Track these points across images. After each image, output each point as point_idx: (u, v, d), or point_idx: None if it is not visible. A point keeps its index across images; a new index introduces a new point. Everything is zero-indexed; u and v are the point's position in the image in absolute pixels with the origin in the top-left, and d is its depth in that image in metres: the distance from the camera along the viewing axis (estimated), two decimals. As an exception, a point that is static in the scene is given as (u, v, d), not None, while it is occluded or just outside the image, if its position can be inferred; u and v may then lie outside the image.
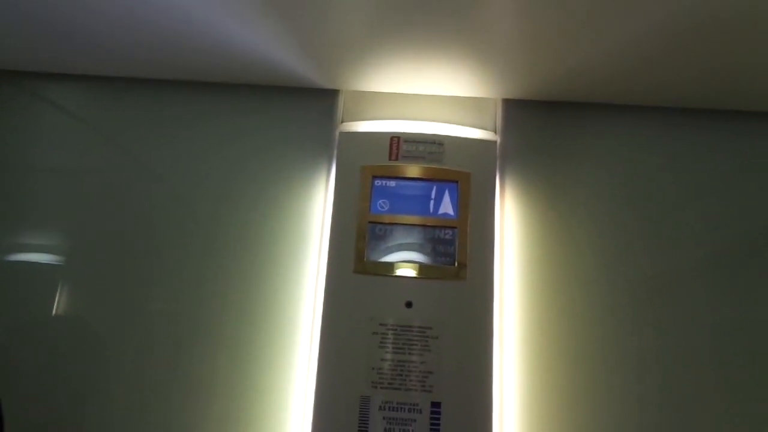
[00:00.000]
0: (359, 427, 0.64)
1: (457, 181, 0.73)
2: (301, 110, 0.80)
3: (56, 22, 0.70)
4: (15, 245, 0.76)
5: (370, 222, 0.71)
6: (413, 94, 0.80)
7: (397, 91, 0.80)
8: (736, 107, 0.78)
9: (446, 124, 0.77)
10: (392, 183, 0.73)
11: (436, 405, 0.65)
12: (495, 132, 0.78)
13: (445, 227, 0.71)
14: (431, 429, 0.64)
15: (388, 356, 0.66)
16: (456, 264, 0.69)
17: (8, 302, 0.74)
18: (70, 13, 0.69)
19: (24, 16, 0.70)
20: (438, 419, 0.64)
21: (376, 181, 0.73)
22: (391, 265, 0.70)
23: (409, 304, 0.68)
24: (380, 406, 0.65)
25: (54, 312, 0.73)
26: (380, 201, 0.72)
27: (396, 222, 0.71)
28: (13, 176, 0.78)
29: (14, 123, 0.81)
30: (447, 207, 0.72)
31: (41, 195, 0.78)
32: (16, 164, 0.79)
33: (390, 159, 0.74)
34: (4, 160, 0.79)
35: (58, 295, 0.73)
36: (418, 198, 0.72)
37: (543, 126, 0.79)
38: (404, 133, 0.75)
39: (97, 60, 0.78)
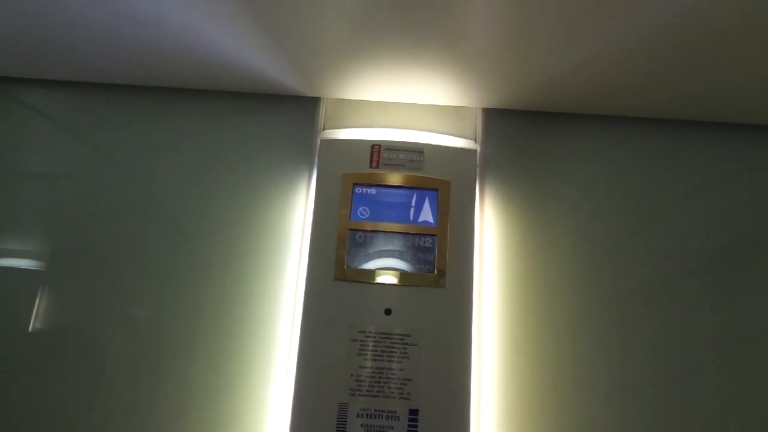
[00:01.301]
0: (337, 434, 0.64)
1: (437, 189, 0.73)
2: (282, 118, 0.80)
3: (37, 28, 0.70)
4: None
5: (350, 229, 0.72)
6: (394, 103, 0.81)
7: (379, 100, 0.80)
8: (713, 118, 0.79)
9: (427, 132, 0.78)
10: (373, 190, 0.73)
11: (413, 412, 0.65)
12: (475, 140, 0.79)
13: (425, 235, 0.72)
14: (409, 436, 0.64)
15: (367, 363, 0.66)
16: (435, 271, 0.70)
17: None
18: (51, 19, 0.68)
19: (4, 22, 0.70)
20: (416, 427, 0.64)
21: (356, 189, 0.73)
22: (371, 273, 0.70)
23: (388, 312, 0.68)
24: (358, 413, 0.65)
25: (34, 317, 0.72)
26: (361, 208, 0.73)
27: (376, 229, 0.72)
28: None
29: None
30: (427, 215, 0.72)
31: (23, 200, 0.77)
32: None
33: (371, 167, 0.74)
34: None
35: (37, 300, 0.73)
36: (399, 205, 0.73)
37: (523, 135, 0.80)
38: (385, 141, 0.75)
39: (79, 66, 0.78)
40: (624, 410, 0.69)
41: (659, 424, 0.68)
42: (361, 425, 0.64)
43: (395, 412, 0.65)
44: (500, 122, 0.80)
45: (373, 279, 0.70)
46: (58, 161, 0.79)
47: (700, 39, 0.64)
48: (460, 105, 0.80)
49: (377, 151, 0.75)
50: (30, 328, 0.72)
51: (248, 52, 0.72)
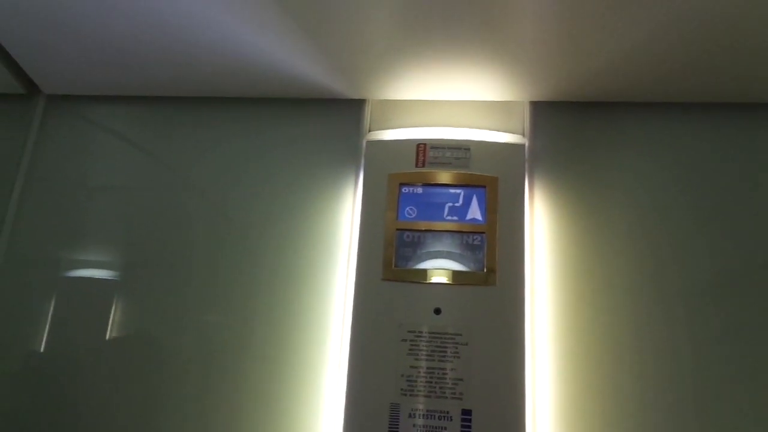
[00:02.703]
0: (389, 434, 0.64)
1: (484, 186, 0.72)
2: (329, 121, 0.81)
3: (97, 49, 0.75)
4: (74, 261, 0.80)
5: (398, 229, 0.71)
6: (440, 101, 0.80)
7: (424, 98, 0.80)
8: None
9: (473, 129, 0.77)
10: (419, 190, 0.73)
11: (466, 412, 0.64)
12: (523, 135, 0.77)
13: (474, 233, 0.71)
14: (462, 437, 0.63)
15: (418, 363, 0.66)
16: (485, 270, 0.69)
17: (68, 317, 0.77)
18: (110, 39, 0.73)
19: (69, 47, 0.74)
20: (469, 426, 0.64)
21: (403, 189, 0.73)
22: (419, 272, 0.70)
23: (438, 311, 0.68)
24: (410, 414, 0.65)
25: (110, 326, 0.76)
26: (408, 208, 0.72)
27: (424, 229, 0.71)
28: (69, 196, 0.83)
29: (67, 145, 0.85)
30: (475, 212, 0.71)
31: (94, 213, 0.82)
32: (70, 184, 0.83)
33: (417, 166, 0.74)
34: (60, 181, 0.84)
35: (113, 309, 0.77)
36: (446, 204, 0.72)
37: (572, 127, 0.77)
38: (430, 139, 0.75)
39: (136, 82, 0.82)
40: (691, 415, 0.65)
41: (730, 426, 0.64)
42: (414, 425, 0.64)
43: (448, 412, 0.64)
44: (548, 115, 0.78)
45: (422, 278, 0.69)
46: (125, 174, 0.83)
47: (754, 16, 0.60)
48: (506, 99, 0.79)
49: (423, 150, 0.74)
50: (107, 336, 0.76)
51: (293, 60, 0.73)
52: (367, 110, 0.81)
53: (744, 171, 0.73)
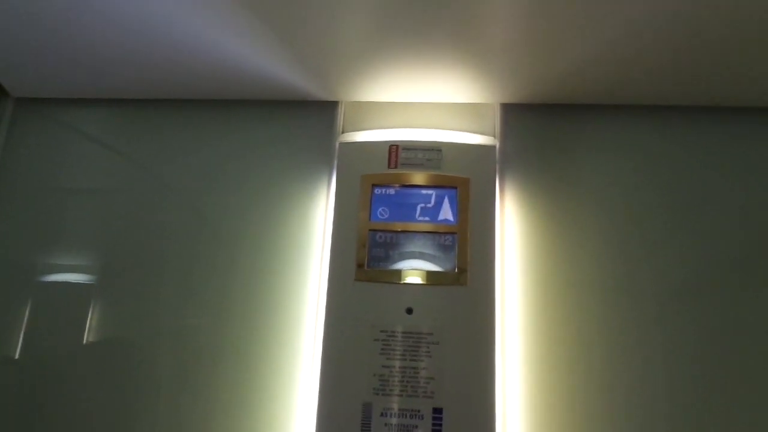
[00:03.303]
0: (361, 433, 0.65)
1: (456, 187, 0.73)
2: (302, 123, 0.81)
3: (67, 51, 0.74)
4: (48, 266, 0.79)
5: (370, 230, 0.72)
6: (412, 103, 0.81)
7: (396, 100, 0.81)
8: (739, 104, 0.76)
9: (445, 130, 0.78)
10: (392, 191, 0.74)
11: (437, 411, 0.65)
12: (494, 136, 0.78)
13: (445, 233, 0.71)
14: (433, 435, 0.64)
15: (390, 363, 0.67)
16: (457, 270, 0.70)
17: (43, 322, 0.77)
18: (80, 42, 0.72)
19: (38, 49, 0.74)
20: (440, 425, 0.64)
21: (375, 190, 0.74)
22: (392, 273, 0.70)
23: (409, 311, 0.68)
24: (382, 413, 0.65)
25: (86, 330, 0.76)
26: (380, 209, 0.73)
27: (396, 229, 0.72)
28: (41, 200, 0.82)
29: (38, 148, 0.85)
30: (447, 213, 0.72)
31: (65, 216, 0.81)
32: (42, 188, 0.83)
33: (389, 167, 0.75)
34: (32, 185, 0.83)
35: (89, 313, 0.76)
36: (418, 205, 0.73)
37: (543, 129, 0.78)
38: (403, 141, 0.76)
39: (108, 84, 0.81)
40: (661, 414, 0.67)
41: (702, 427, 0.66)
42: (386, 424, 0.65)
43: (419, 410, 0.65)
44: (519, 117, 0.79)
45: (394, 279, 0.70)
46: (98, 177, 0.82)
47: (729, 20, 0.62)
48: (477, 101, 0.80)
49: (395, 151, 0.75)
50: (83, 341, 0.75)
51: (266, 62, 0.73)
52: (340, 112, 0.81)
53: (713, 173, 0.75)
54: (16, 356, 0.76)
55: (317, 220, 0.76)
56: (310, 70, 0.75)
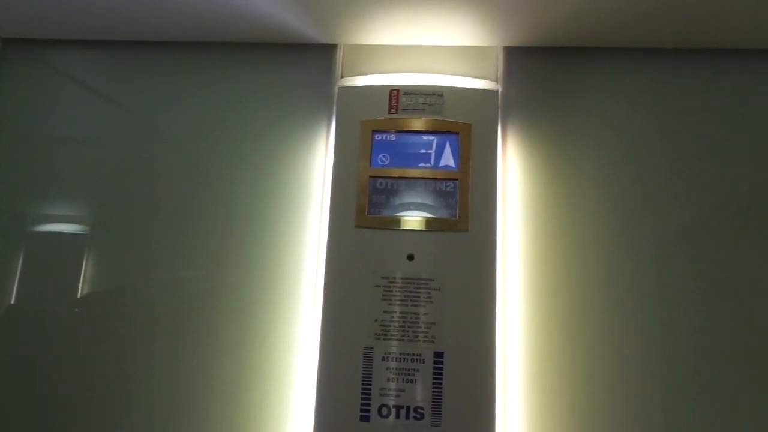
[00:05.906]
0: (363, 377, 0.65)
1: (457, 133, 0.72)
2: (300, 67, 0.79)
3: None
4: (40, 216, 0.78)
5: (371, 176, 0.71)
6: (413, 46, 0.78)
7: (397, 43, 0.78)
8: (743, 46, 0.75)
9: (447, 75, 0.76)
10: (392, 136, 0.73)
11: (438, 355, 0.65)
12: (497, 81, 0.76)
13: (447, 179, 0.71)
14: (434, 378, 0.65)
15: (391, 308, 0.67)
16: (458, 216, 0.69)
17: (36, 273, 0.76)
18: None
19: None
20: (441, 369, 0.65)
21: (376, 135, 0.73)
22: (392, 219, 0.70)
23: (410, 257, 0.68)
24: (383, 357, 0.66)
25: (81, 281, 0.75)
26: (381, 155, 0.72)
27: (397, 176, 0.71)
28: (31, 147, 0.80)
29: (27, 92, 0.82)
30: (448, 159, 0.71)
31: (55, 164, 0.79)
32: (32, 135, 0.81)
33: (390, 112, 0.73)
34: (21, 132, 0.81)
35: (84, 264, 0.76)
36: (419, 151, 0.72)
37: (546, 73, 0.77)
38: (403, 85, 0.74)
39: (100, 24, 0.78)
40: (659, 360, 0.68)
41: (699, 377, 0.67)
42: (387, 368, 0.65)
43: (420, 354, 0.66)
44: (522, 61, 0.77)
45: (395, 225, 0.69)
46: (89, 123, 0.80)
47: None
48: (480, 45, 0.78)
49: (395, 96, 0.73)
50: (78, 293, 0.75)
51: (263, 2, 0.71)
52: (339, 55, 0.79)
53: (716, 117, 0.74)
54: (12, 303, 0.75)
55: (317, 166, 0.75)
56: (307, 12, 0.72)
